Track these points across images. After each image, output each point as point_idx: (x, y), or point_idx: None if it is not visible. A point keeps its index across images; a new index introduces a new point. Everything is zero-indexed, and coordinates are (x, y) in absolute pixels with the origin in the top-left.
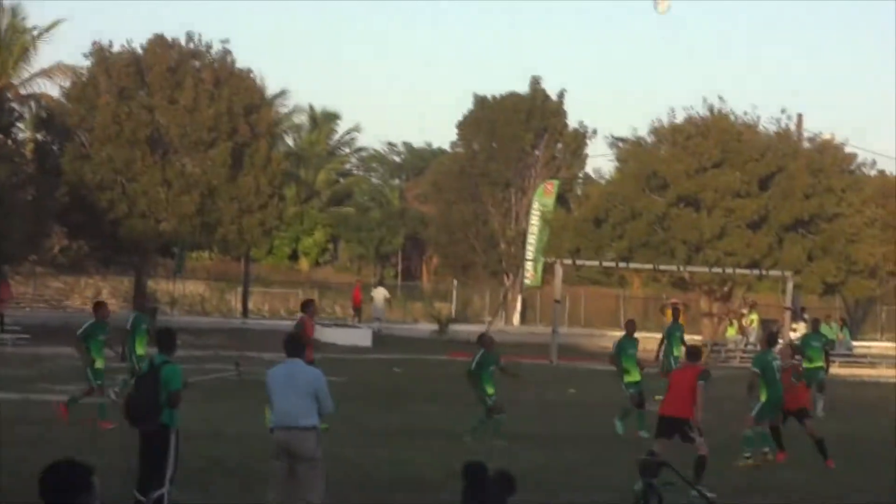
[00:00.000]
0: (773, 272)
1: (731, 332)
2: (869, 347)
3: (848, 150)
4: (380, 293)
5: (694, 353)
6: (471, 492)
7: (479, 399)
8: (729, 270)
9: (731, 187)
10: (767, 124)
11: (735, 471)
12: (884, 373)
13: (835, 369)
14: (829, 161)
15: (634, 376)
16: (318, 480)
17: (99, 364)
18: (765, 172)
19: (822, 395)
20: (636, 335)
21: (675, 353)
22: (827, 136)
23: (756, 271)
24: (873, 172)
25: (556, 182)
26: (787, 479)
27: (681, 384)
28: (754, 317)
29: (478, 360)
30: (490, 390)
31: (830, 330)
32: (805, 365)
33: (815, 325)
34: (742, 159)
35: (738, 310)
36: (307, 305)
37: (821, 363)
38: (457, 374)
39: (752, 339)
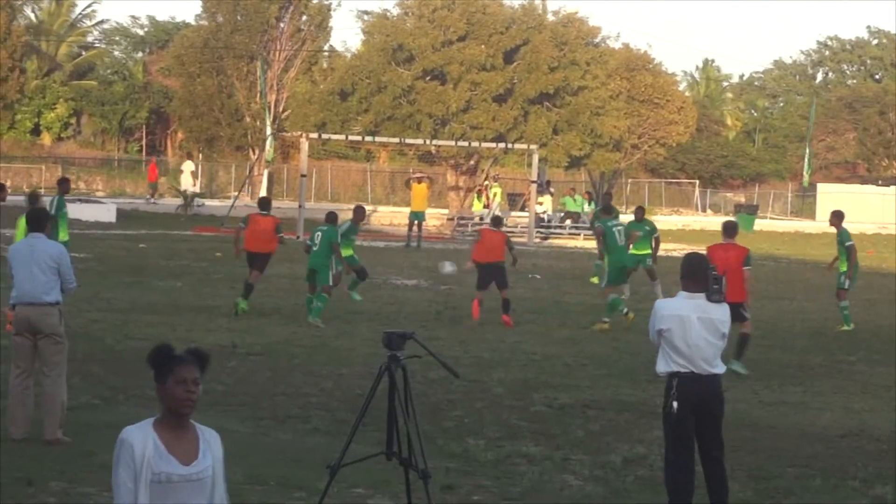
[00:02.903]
0: (518, 145)
1: (478, 206)
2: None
3: (593, 23)
4: (188, 166)
5: (730, 228)
6: (160, 375)
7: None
8: (475, 144)
9: (477, 60)
10: None
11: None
12: None
13: (580, 242)
14: (574, 34)
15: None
16: (60, 356)
17: None
18: (510, 45)
19: None
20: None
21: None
22: (572, 8)
23: (502, 144)
24: (618, 45)
25: None
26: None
27: (727, 268)
28: (497, 190)
29: (344, 230)
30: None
31: (575, 203)
32: None
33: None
34: (487, 32)
35: (483, 183)
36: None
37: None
38: (201, 248)
39: (496, 212)
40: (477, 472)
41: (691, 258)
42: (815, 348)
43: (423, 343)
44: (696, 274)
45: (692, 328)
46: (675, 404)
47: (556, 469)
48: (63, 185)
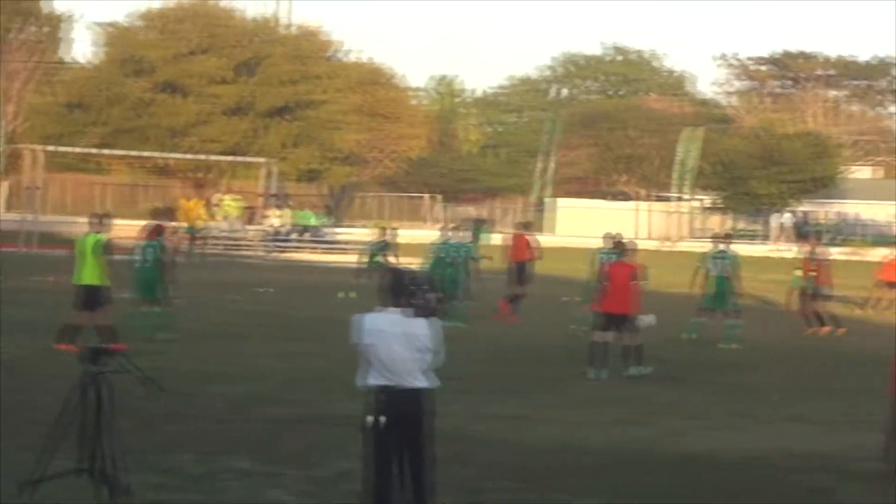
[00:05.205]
0: (253, 159)
1: (208, 219)
2: (351, 234)
3: (335, 37)
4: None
5: (621, 248)
6: None
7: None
8: (209, 157)
9: (214, 73)
10: (254, 11)
11: None
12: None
13: (316, 255)
14: (313, 48)
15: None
16: None
17: None
18: (247, 58)
19: None
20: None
21: None
22: (313, 24)
23: (236, 158)
24: (362, 59)
25: None
26: None
27: (617, 281)
28: (235, 203)
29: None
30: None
31: (316, 217)
32: None
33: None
34: (225, 45)
35: (217, 197)
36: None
37: None
38: None
39: (234, 225)
40: (186, 487)
41: (393, 273)
42: (538, 362)
43: (130, 358)
44: (397, 288)
45: (390, 342)
46: (369, 418)
47: (266, 484)
48: None
